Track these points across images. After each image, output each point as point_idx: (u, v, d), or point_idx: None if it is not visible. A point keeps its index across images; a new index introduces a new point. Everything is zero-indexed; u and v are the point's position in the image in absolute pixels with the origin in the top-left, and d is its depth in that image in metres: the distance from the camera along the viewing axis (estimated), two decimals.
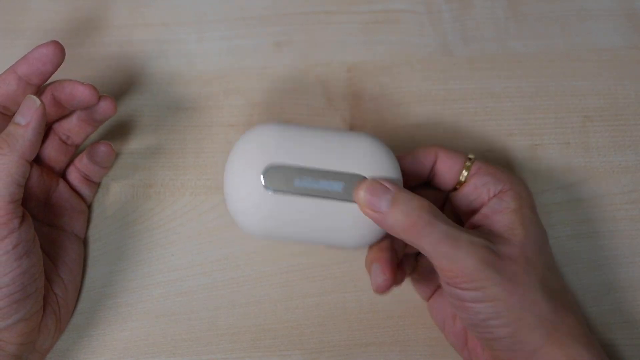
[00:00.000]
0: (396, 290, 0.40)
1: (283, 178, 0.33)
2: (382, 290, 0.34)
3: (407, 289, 0.40)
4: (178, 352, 0.39)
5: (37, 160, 0.38)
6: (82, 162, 0.39)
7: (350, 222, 0.34)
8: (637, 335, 0.39)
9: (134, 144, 0.43)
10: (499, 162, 0.43)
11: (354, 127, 0.43)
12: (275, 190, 0.33)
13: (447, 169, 0.37)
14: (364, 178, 0.34)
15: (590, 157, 0.43)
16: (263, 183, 0.33)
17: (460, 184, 0.37)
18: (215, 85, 0.44)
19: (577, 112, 0.44)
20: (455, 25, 0.46)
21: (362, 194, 0.33)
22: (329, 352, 0.39)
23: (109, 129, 0.43)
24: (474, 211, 0.36)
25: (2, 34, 0.46)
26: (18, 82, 0.35)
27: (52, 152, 0.39)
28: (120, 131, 0.43)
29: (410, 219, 0.32)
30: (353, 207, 0.34)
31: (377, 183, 0.33)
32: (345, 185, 0.33)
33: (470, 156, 0.37)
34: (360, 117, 0.44)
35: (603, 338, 0.39)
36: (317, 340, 0.39)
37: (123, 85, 0.44)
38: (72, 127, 0.39)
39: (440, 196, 0.39)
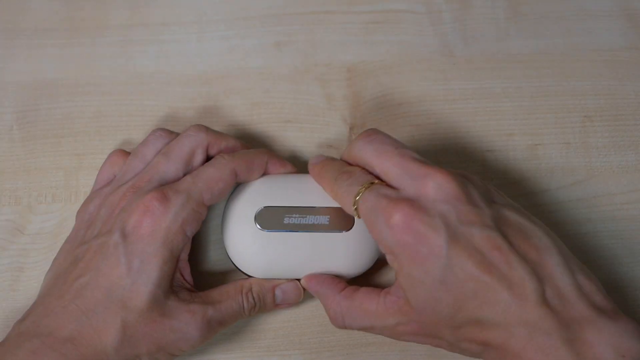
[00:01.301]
0: None
1: (274, 218, 0.37)
2: None
3: None
4: None
5: None
6: None
7: (340, 252, 0.37)
8: None
9: (135, 145, 0.43)
10: (499, 162, 0.43)
11: (354, 127, 0.43)
12: (268, 229, 0.36)
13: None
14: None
15: (590, 157, 0.43)
16: (256, 224, 0.36)
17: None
18: (215, 85, 0.44)
19: (577, 112, 0.44)
20: (455, 25, 0.46)
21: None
22: (329, 352, 0.39)
23: (109, 129, 0.43)
24: None
25: (2, 34, 0.46)
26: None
27: None
28: (121, 131, 0.43)
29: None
30: (341, 236, 0.36)
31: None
32: (331, 218, 0.37)
33: (359, 191, 0.33)
34: (360, 117, 0.44)
35: None
36: (317, 340, 0.39)
37: (123, 85, 0.44)
38: None
39: None
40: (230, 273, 0.40)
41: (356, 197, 0.33)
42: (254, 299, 0.37)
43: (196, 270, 0.38)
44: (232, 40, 0.46)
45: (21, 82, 0.44)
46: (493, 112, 0.44)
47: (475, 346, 0.32)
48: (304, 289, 0.39)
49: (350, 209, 0.34)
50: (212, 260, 0.41)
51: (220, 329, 0.36)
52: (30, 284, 0.40)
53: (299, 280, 0.38)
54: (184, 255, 0.36)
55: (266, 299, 0.37)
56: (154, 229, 0.34)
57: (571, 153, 0.43)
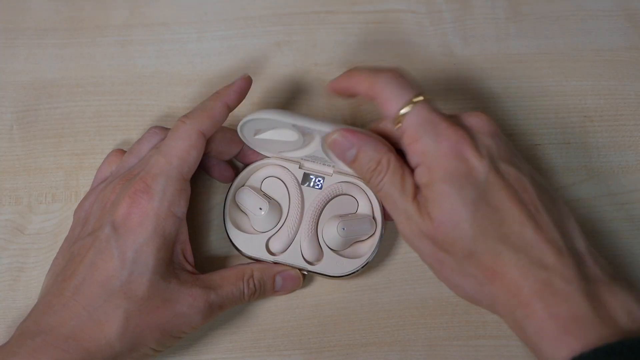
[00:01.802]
0: (396, 290, 0.40)
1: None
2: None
3: (408, 289, 0.40)
4: (178, 352, 0.39)
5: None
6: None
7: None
8: None
9: None
10: None
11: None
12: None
13: (386, 106, 0.34)
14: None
15: (590, 157, 0.43)
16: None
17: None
18: (216, 85, 0.44)
19: (577, 112, 0.44)
20: (455, 25, 0.46)
21: (331, 138, 0.35)
22: (329, 352, 0.39)
23: (109, 129, 0.43)
24: None
25: (2, 33, 0.46)
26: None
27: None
28: (121, 131, 0.43)
29: (365, 177, 0.35)
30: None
31: (343, 138, 0.34)
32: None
33: (415, 100, 0.33)
34: (360, 117, 0.43)
35: None
36: (317, 340, 0.39)
37: (123, 85, 0.44)
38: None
39: None
40: (230, 258, 0.40)
41: (412, 101, 0.33)
42: (254, 285, 0.37)
43: (197, 255, 0.38)
44: (232, 40, 0.46)
45: (21, 82, 0.44)
46: (493, 112, 0.44)
47: (479, 276, 0.31)
48: (303, 278, 0.39)
49: (393, 108, 0.33)
50: (214, 244, 0.41)
51: (220, 313, 0.36)
52: (30, 284, 0.40)
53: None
54: (184, 237, 0.36)
55: (266, 285, 0.38)
56: (143, 219, 0.34)
57: (571, 153, 0.43)
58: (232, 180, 0.40)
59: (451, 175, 0.32)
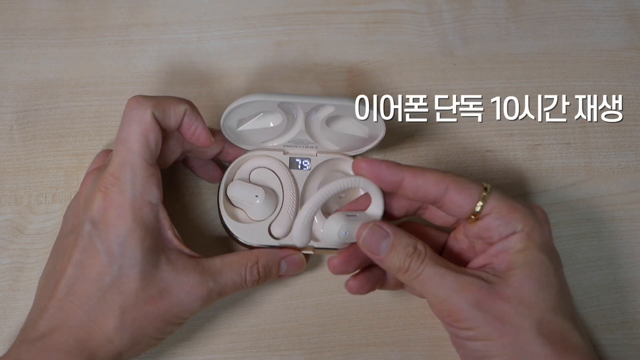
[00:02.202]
0: (397, 290, 0.40)
1: None
2: (334, 272, 0.35)
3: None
4: (178, 351, 0.39)
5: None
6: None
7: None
8: (637, 335, 0.39)
9: None
10: (499, 162, 0.43)
11: None
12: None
13: (460, 202, 0.33)
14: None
15: (590, 157, 0.43)
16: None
17: (475, 215, 0.33)
18: (215, 85, 0.44)
19: (577, 112, 0.44)
20: (455, 25, 0.46)
21: (362, 234, 0.34)
22: (329, 352, 0.39)
23: (109, 129, 0.43)
24: (482, 249, 0.35)
25: (2, 33, 0.46)
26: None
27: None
28: None
29: (404, 264, 0.33)
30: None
31: (378, 227, 0.34)
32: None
33: (486, 185, 0.34)
34: None
35: (603, 338, 0.39)
36: (317, 340, 0.39)
37: (123, 85, 0.44)
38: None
39: (442, 237, 0.38)
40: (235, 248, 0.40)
41: (484, 186, 0.33)
42: (259, 272, 0.37)
43: (199, 239, 0.38)
44: (232, 40, 0.46)
45: (21, 82, 0.44)
46: (493, 112, 0.44)
47: (548, 348, 0.32)
48: (307, 260, 0.39)
49: (474, 194, 0.33)
50: (216, 245, 0.41)
51: (220, 298, 0.36)
52: (30, 284, 0.40)
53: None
54: (168, 222, 0.35)
55: (272, 270, 0.37)
56: (120, 212, 0.33)
57: (571, 153, 0.43)
58: (221, 180, 0.40)
59: (543, 246, 0.33)
